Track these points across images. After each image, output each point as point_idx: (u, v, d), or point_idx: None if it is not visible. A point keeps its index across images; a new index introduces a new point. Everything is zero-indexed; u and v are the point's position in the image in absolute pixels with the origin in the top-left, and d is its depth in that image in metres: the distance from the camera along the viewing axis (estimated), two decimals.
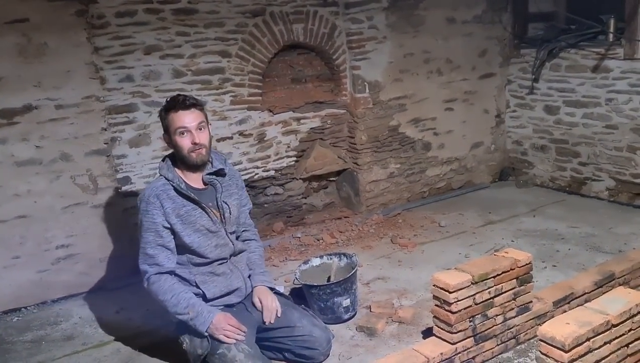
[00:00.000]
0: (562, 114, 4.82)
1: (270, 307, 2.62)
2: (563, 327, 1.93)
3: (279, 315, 2.63)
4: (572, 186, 4.85)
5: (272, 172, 4.33)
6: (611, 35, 4.36)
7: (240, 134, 4.13)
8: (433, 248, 3.92)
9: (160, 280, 2.47)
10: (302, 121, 4.41)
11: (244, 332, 2.45)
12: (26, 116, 3.33)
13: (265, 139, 4.25)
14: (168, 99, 2.57)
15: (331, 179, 4.73)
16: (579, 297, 2.84)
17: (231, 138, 4.09)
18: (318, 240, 4.13)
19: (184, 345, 2.52)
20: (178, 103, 2.51)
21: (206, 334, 2.42)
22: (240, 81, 4.05)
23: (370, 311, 3.07)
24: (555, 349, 1.90)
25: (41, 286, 3.47)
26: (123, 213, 3.69)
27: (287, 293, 3.13)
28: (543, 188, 5.04)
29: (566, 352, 1.87)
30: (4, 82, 3.24)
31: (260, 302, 2.64)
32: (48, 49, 3.33)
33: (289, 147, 4.39)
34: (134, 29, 3.62)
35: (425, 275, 3.47)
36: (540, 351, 1.96)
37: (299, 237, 4.15)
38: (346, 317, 3.00)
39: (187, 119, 2.49)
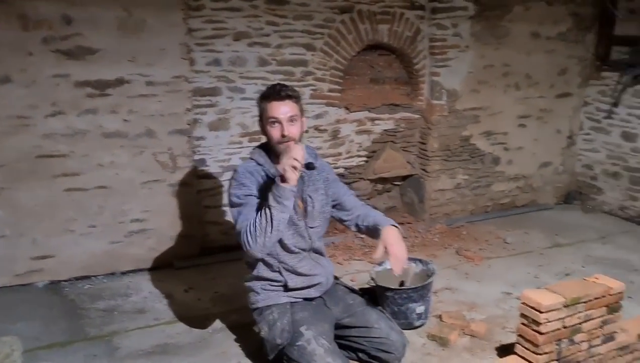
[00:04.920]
0: None
1: (400, 257, 2.44)
2: None
3: (406, 266, 2.52)
4: None
5: (341, 170, 4.31)
6: None
7: (316, 128, 4.12)
8: (500, 264, 3.85)
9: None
10: (376, 122, 4.38)
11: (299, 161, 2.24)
12: (118, 89, 3.39)
13: (339, 136, 4.24)
14: (268, 86, 2.57)
15: (396, 183, 4.70)
16: None
17: (306, 131, 4.05)
18: None
19: (262, 332, 2.51)
20: (274, 92, 2.50)
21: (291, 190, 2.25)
22: (322, 76, 4.05)
23: (442, 320, 3.03)
24: None
25: (112, 257, 3.54)
26: (197, 195, 3.73)
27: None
28: (611, 216, 4.89)
29: None
30: (101, 53, 3.30)
31: (387, 250, 2.44)
32: (146, 25, 3.38)
33: (360, 146, 4.37)
34: (227, 14, 3.65)
35: (494, 291, 3.41)
36: None
37: (362, 238, 4.13)
38: (417, 323, 2.96)
39: (280, 110, 2.47)
